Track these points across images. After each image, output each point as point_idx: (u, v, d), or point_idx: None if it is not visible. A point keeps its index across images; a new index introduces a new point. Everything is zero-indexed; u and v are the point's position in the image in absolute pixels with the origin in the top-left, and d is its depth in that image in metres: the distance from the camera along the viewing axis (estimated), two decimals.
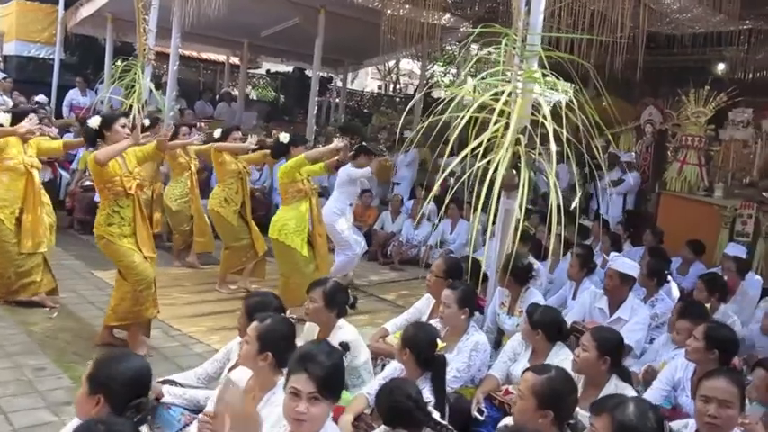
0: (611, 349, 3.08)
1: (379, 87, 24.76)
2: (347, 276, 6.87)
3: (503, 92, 3.96)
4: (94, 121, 4.41)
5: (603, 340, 3.08)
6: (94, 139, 4.44)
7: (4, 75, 11.63)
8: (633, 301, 4.40)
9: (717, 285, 4.80)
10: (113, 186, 4.30)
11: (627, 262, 4.44)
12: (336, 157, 5.88)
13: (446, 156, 3.93)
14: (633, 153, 9.33)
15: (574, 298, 5.17)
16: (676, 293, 5.38)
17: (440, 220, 8.89)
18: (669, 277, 5.33)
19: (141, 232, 4.40)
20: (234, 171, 6.29)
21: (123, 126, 4.38)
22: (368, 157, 6.65)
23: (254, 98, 18.96)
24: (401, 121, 5.14)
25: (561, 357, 3.42)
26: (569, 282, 5.39)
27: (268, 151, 6.44)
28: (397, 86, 23.06)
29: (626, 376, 3.15)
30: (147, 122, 7.20)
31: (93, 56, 12.69)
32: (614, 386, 3.07)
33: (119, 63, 8.93)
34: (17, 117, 5.27)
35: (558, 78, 4.09)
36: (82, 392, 2.01)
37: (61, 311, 4.99)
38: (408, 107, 4.60)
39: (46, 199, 5.51)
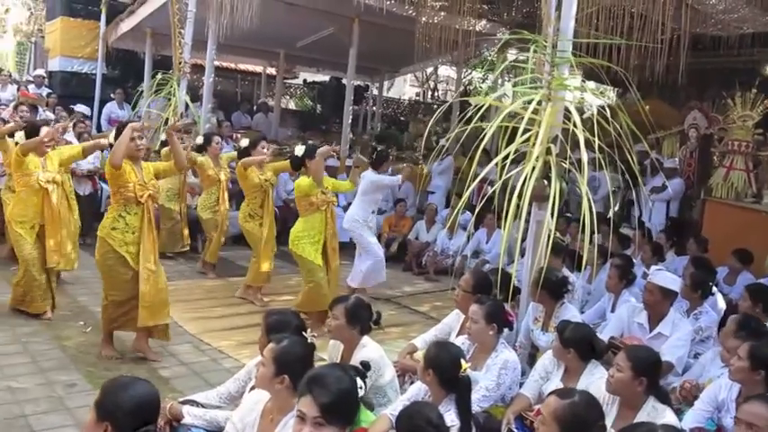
0: (648, 369, 2.93)
1: (417, 95, 24.70)
2: (366, 291, 6.81)
3: (534, 100, 3.87)
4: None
5: (639, 360, 2.93)
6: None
7: (49, 90, 11.99)
8: (674, 316, 4.21)
9: (763, 296, 4.56)
10: (126, 192, 4.38)
11: (668, 276, 4.25)
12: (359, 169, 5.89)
13: (475, 163, 3.84)
14: (677, 159, 9.03)
15: (613, 311, 5.00)
16: (722, 305, 5.15)
17: (475, 230, 8.79)
18: (714, 289, 5.11)
19: (146, 243, 4.42)
20: (257, 185, 6.30)
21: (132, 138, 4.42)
22: (388, 162, 6.70)
23: (293, 108, 19.15)
24: (428, 128, 5.03)
25: (596, 377, 3.28)
26: (608, 294, 5.21)
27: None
28: (436, 93, 22.94)
29: (664, 397, 2.99)
30: (200, 140, 7.31)
31: (134, 70, 12.96)
32: (651, 408, 2.92)
33: (158, 76, 9.10)
34: (30, 132, 5.35)
35: (601, 83, 3.99)
36: (90, 420, 1.99)
37: (95, 326, 5.05)
38: (437, 114, 4.49)
39: (72, 215, 5.61)
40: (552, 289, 4.13)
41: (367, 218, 6.66)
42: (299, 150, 5.77)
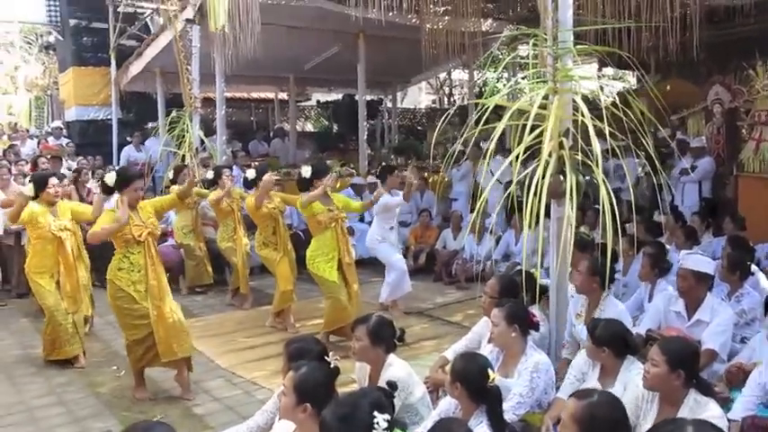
0: (685, 361, 2.83)
1: (433, 102, 24.68)
2: (398, 307, 6.78)
3: (539, 95, 3.83)
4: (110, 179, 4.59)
5: (674, 352, 2.84)
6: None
7: (68, 140, 12.28)
8: (713, 301, 4.09)
9: None
10: (123, 235, 4.49)
11: (700, 258, 4.14)
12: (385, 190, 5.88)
13: (487, 164, 3.81)
14: (703, 137, 8.84)
15: (650, 301, 4.89)
16: (765, 285, 4.98)
17: (504, 232, 8.69)
18: (755, 267, 4.95)
19: (151, 280, 4.50)
20: (265, 214, 6.36)
21: (136, 190, 4.59)
22: (393, 176, 6.70)
23: (310, 129, 19.30)
24: (436, 133, 5.01)
25: (633, 373, 3.20)
26: (643, 284, 5.10)
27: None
28: (452, 98, 22.89)
29: (706, 389, 2.89)
30: (210, 175, 7.40)
31: (148, 111, 13.23)
32: (694, 402, 2.82)
33: (173, 114, 9.26)
34: (39, 183, 5.44)
35: (621, 68, 3.96)
36: None
37: (128, 369, 5.10)
38: (444, 119, 4.47)
39: (82, 263, 5.71)
40: (598, 273, 4.05)
41: (385, 235, 6.74)
42: (306, 172, 5.81)
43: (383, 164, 8.28)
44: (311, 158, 12.65)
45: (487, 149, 3.84)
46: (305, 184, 5.83)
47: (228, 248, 7.26)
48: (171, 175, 7.83)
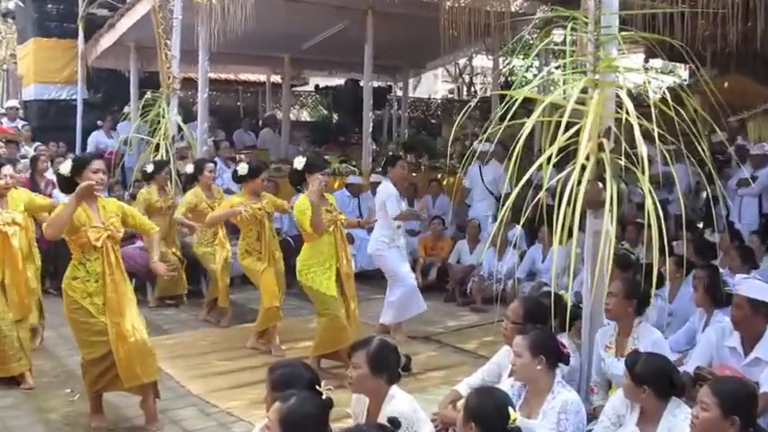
0: (740, 406, 2.82)
1: (450, 92, 24.72)
2: (401, 330, 6.78)
3: (576, 88, 3.82)
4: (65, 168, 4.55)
5: (727, 394, 2.82)
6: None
7: (24, 122, 12.27)
8: None
9: None
10: (78, 238, 4.42)
11: (759, 285, 4.11)
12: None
13: (513, 166, 3.80)
14: (765, 144, 8.81)
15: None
16: None
17: (529, 246, 8.66)
18: None
19: (109, 292, 4.44)
20: (249, 217, 6.32)
21: (95, 171, 4.47)
22: (398, 167, 6.75)
23: (306, 119, 19.34)
24: (454, 128, 5.02)
25: (680, 418, 3.17)
26: (698, 312, 5.08)
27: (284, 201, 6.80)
28: (472, 89, 22.94)
29: None
30: (189, 169, 7.43)
31: (120, 91, 13.22)
32: None
33: (148, 96, 9.28)
34: None
35: (672, 60, 3.96)
36: None
37: (83, 393, 5.08)
38: (464, 112, 4.46)
39: (31, 264, 5.70)
40: (636, 296, 4.08)
41: (393, 236, 6.69)
42: (299, 163, 5.77)
43: (390, 154, 8.27)
44: (306, 153, 12.68)
45: (513, 150, 3.82)
46: (296, 178, 5.84)
47: (206, 254, 7.26)
48: (149, 169, 7.82)
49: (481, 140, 4.40)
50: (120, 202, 4.85)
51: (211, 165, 7.52)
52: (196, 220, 7.27)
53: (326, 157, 9.83)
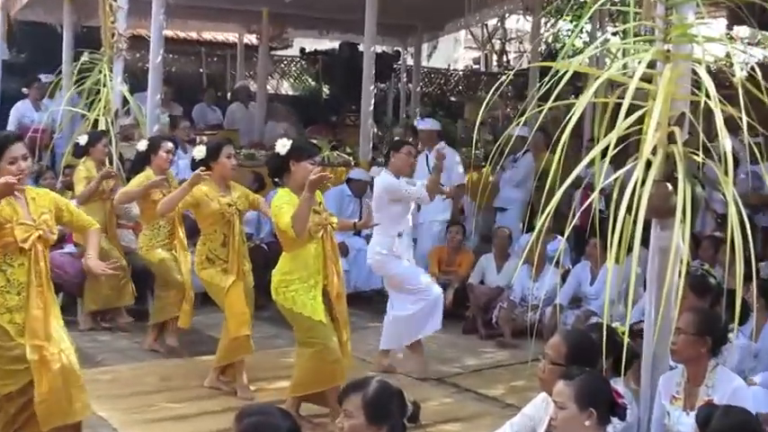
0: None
1: (476, 62, 24.77)
2: (400, 364, 6.81)
3: (641, 61, 3.83)
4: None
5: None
6: None
7: None
8: None
9: None
10: (2, 237, 4.38)
11: None
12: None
13: (557, 158, 3.80)
14: None
15: None
16: None
17: (575, 264, 8.66)
18: None
19: (33, 309, 4.40)
20: (214, 213, 6.29)
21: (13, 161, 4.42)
22: (402, 153, 6.79)
23: (288, 92, 19.33)
24: (480, 109, 4.98)
25: None
26: None
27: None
28: (504, 58, 22.99)
29: None
30: (143, 146, 7.45)
31: (50, 51, 13.22)
32: None
33: (85, 58, 9.29)
34: None
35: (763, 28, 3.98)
36: None
37: None
38: (494, 91, 4.45)
39: None
40: (711, 332, 4.09)
41: (391, 245, 6.77)
42: (283, 146, 5.69)
43: (396, 139, 8.28)
44: (288, 135, 12.68)
45: (558, 138, 3.83)
46: (278, 167, 5.76)
47: (164, 261, 7.18)
48: (83, 141, 7.89)
49: (516, 125, 4.35)
50: (53, 194, 4.84)
51: (170, 144, 7.51)
52: (145, 218, 7.27)
53: (314, 140, 9.80)
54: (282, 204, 5.47)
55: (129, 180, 7.76)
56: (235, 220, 6.37)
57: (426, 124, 9.89)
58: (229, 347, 6.29)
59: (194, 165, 6.50)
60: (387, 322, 6.94)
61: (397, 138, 10.36)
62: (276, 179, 5.93)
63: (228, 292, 6.28)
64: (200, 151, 6.51)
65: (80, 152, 8.04)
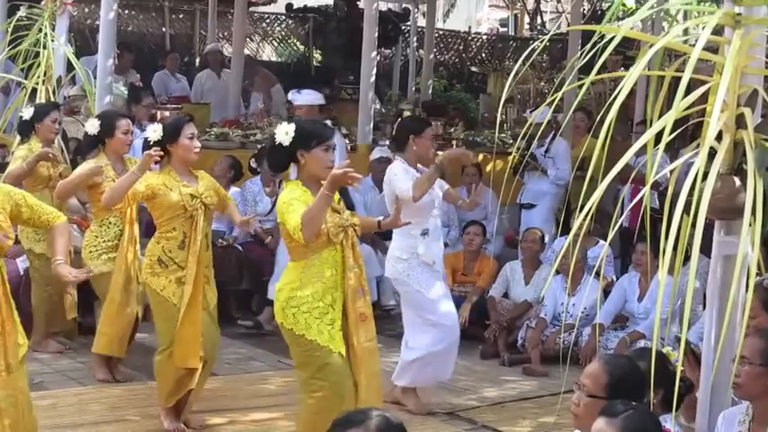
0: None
1: (503, 24, 24.80)
2: (416, 397, 6.84)
3: (705, 27, 3.86)
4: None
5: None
6: None
7: None
8: None
9: None
10: None
11: None
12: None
13: (599, 146, 3.81)
14: None
15: None
16: None
17: (620, 276, 8.68)
18: None
19: None
20: (173, 206, 6.23)
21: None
22: (432, 137, 6.84)
23: (270, 58, 19.33)
24: (507, 82, 4.99)
25: None
26: None
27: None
28: (537, 21, 23.03)
29: None
30: (94, 127, 7.43)
31: None
32: None
33: (21, 14, 9.32)
34: None
35: None
36: None
37: None
38: (524, 59, 4.48)
39: None
40: None
41: (414, 248, 6.75)
42: (286, 133, 5.54)
43: (412, 115, 8.27)
44: (269, 112, 12.68)
45: (603, 119, 3.85)
46: (282, 161, 5.64)
47: (103, 277, 7.13)
48: (27, 114, 7.85)
49: (552, 102, 4.29)
50: (6, 187, 4.86)
51: (127, 122, 7.49)
52: (95, 209, 7.27)
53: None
54: (292, 200, 5.24)
55: (73, 164, 7.78)
56: (198, 217, 6.29)
57: (305, 98, 9.65)
58: (173, 384, 6.24)
59: (147, 148, 6.44)
60: (402, 353, 6.95)
61: (407, 114, 10.30)
62: (273, 175, 5.79)
63: (184, 311, 6.20)
64: (154, 131, 6.42)
65: (26, 129, 7.93)
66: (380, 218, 6.24)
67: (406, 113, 11.08)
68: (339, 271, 5.40)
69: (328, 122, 7.44)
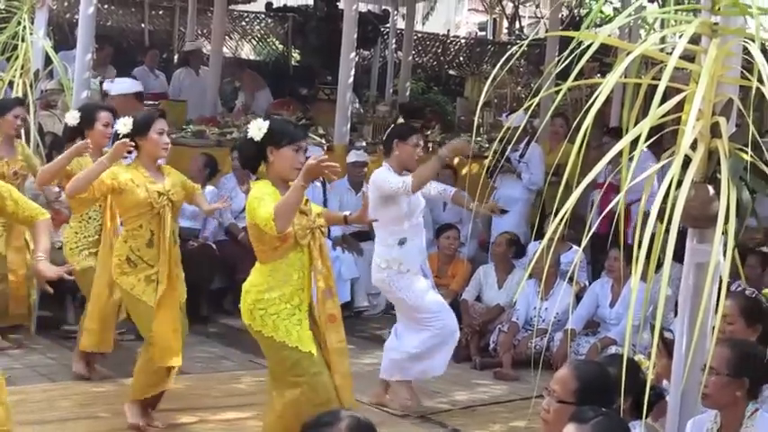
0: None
1: (482, 28, 24.84)
2: (405, 391, 6.85)
3: (682, 35, 3.87)
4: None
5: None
6: None
7: None
8: None
9: None
10: None
11: None
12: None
13: (575, 152, 3.81)
14: None
15: None
16: None
17: (591, 281, 8.70)
18: None
19: None
20: (140, 203, 6.19)
21: None
22: (417, 144, 6.81)
23: (249, 57, 19.29)
24: (485, 85, 4.99)
25: None
26: None
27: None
28: (516, 25, 23.06)
29: None
30: (74, 119, 7.38)
31: None
32: None
33: (1, 5, 9.27)
34: None
35: None
36: None
37: None
38: (503, 64, 4.47)
39: None
40: (749, 372, 4.12)
41: (392, 256, 6.77)
42: (258, 129, 5.55)
43: (399, 121, 8.25)
44: (247, 111, 12.66)
45: (579, 124, 3.84)
46: (252, 155, 5.64)
47: (88, 272, 7.11)
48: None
49: (529, 107, 4.28)
50: None
51: (107, 114, 7.43)
52: (75, 205, 7.20)
53: (279, 117, 9.78)
54: (264, 195, 5.24)
55: (49, 159, 7.72)
56: (166, 214, 6.26)
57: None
58: (151, 379, 6.23)
59: (117, 140, 6.39)
60: (389, 347, 6.96)
61: (399, 120, 10.23)
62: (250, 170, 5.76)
63: (158, 310, 6.18)
64: (125, 124, 6.39)
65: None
66: (347, 212, 6.31)
67: (395, 120, 11.04)
68: (306, 273, 5.44)
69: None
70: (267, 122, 5.45)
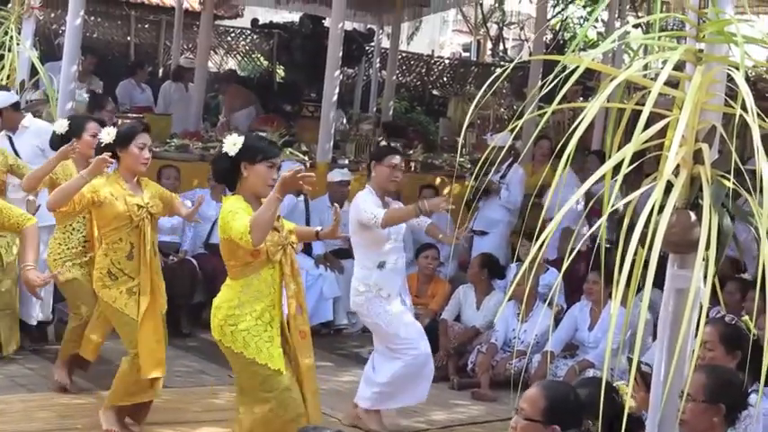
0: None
1: (466, 49, 24.90)
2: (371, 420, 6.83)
3: (667, 61, 3.88)
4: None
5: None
6: None
7: None
8: None
9: None
10: None
11: None
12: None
13: (559, 173, 3.81)
14: None
15: None
16: None
17: (570, 305, 8.70)
18: None
19: None
20: (119, 216, 6.18)
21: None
22: (393, 165, 6.80)
23: (235, 72, 19.30)
24: (470, 106, 5.00)
25: None
26: None
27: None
28: (501, 47, 23.14)
29: None
30: (62, 127, 7.35)
31: None
32: None
33: None
34: None
35: None
36: None
37: None
38: (488, 84, 4.48)
39: None
40: (726, 398, 4.15)
41: (370, 280, 6.73)
42: (233, 144, 5.55)
43: (380, 143, 8.26)
44: (231, 126, 12.64)
45: (562, 149, 3.84)
46: (226, 170, 5.61)
47: (72, 283, 7.01)
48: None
49: (514, 129, 4.26)
50: None
51: (96, 125, 7.39)
52: (59, 216, 7.16)
53: (263, 133, 9.76)
54: (237, 209, 5.23)
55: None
56: (145, 227, 6.27)
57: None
58: (130, 388, 6.21)
59: (99, 150, 6.39)
60: (365, 377, 6.92)
61: (380, 141, 10.26)
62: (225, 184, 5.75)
63: (142, 323, 6.17)
64: (108, 133, 6.39)
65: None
66: (319, 228, 6.33)
67: (377, 139, 11.08)
68: (277, 289, 5.46)
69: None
70: (242, 138, 5.49)
